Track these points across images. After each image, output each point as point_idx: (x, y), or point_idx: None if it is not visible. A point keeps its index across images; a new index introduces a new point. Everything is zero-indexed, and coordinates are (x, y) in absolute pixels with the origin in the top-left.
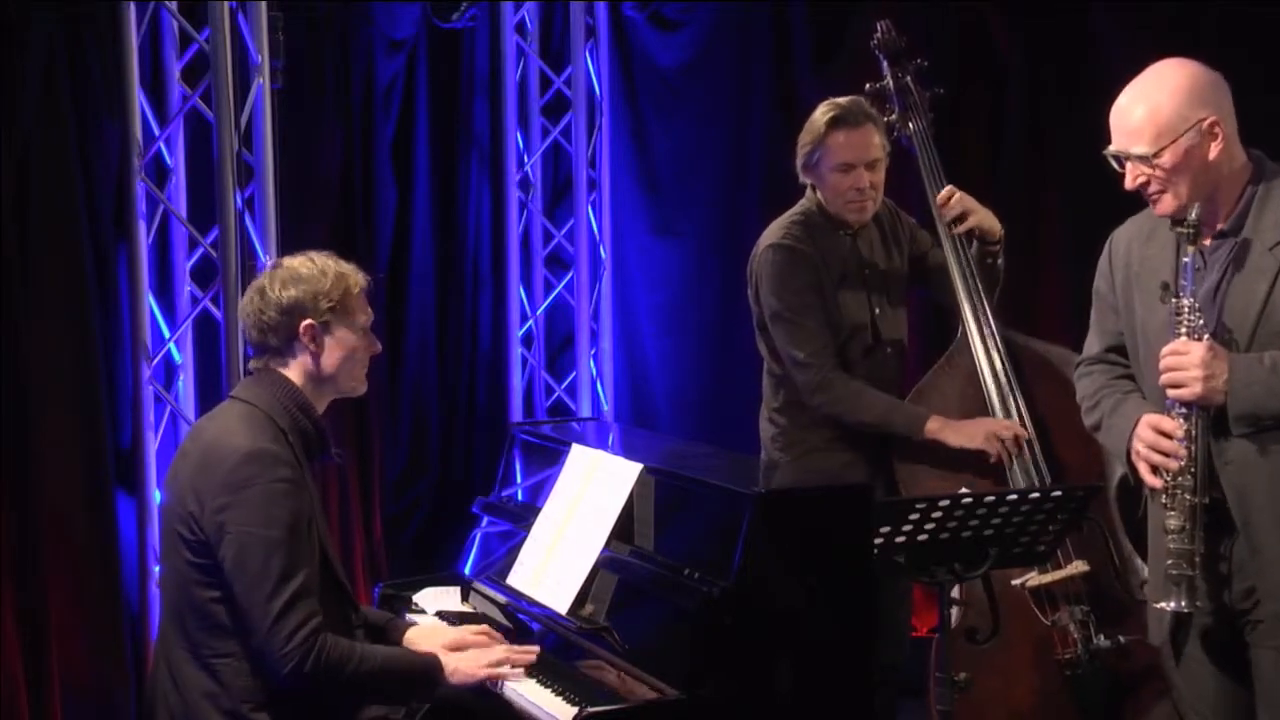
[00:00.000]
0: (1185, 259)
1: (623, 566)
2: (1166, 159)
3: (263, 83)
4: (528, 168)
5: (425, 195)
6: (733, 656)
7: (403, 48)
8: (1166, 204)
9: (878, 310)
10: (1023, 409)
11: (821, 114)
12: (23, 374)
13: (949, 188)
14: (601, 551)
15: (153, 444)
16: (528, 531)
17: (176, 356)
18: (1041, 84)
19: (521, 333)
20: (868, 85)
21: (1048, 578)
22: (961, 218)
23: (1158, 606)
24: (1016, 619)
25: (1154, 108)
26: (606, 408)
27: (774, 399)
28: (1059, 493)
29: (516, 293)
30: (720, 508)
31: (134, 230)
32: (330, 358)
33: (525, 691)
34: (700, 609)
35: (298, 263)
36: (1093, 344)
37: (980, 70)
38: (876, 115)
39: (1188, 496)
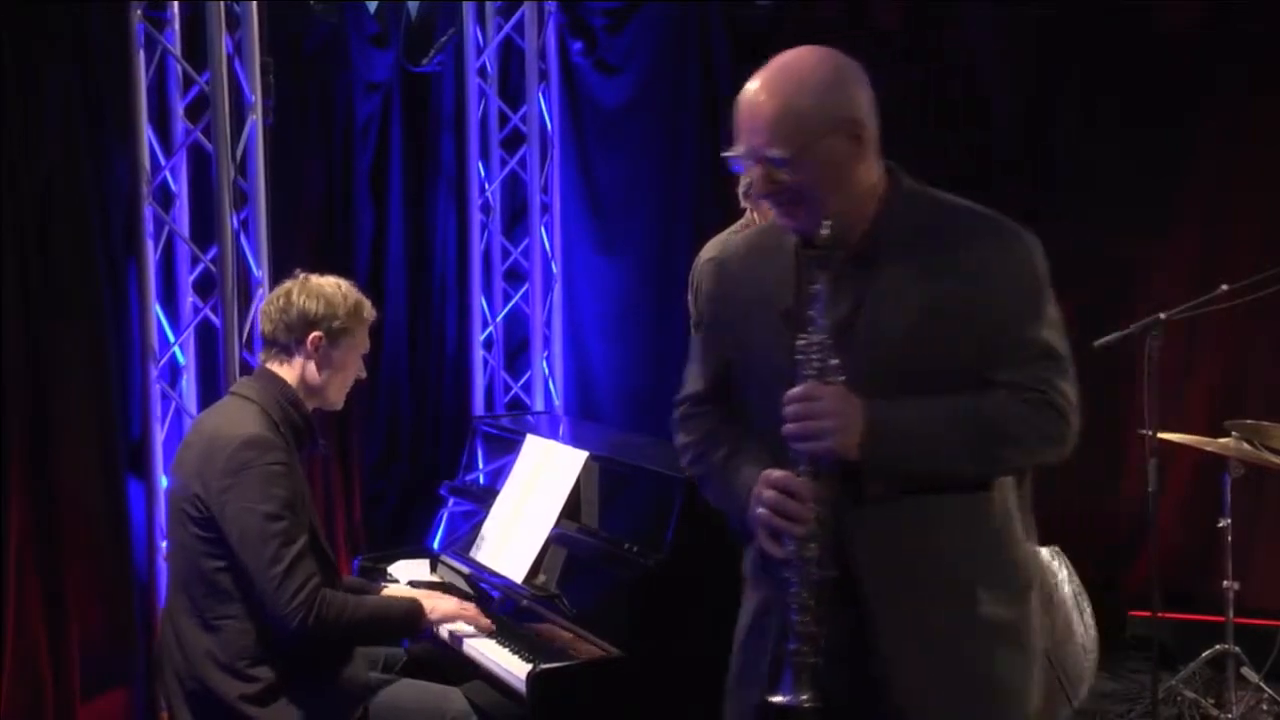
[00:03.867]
0: (815, 286)
1: (571, 541)
2: (804, 166)
3: (256, 119)
4: (488, 194)
5: (399, 218)
6: (666, 619)
7: (379, 89)
8: (799, 218)
9: None
10: None
11: None
12: (44, 373)
13: None
14: (552, 529)
15: (159, 435)
16: (488, 511)
17: (180, 359)
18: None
19: (483, 337)
20: None
21: None
22: None
23: (774, 700)
24: None
25: (793, 105)
26: (557, 403)
27: None
28: None
29: (479, 302)
30: (655, 490)
31: (142, 248)
32: (326, 370)
33: (485, 649)
34: (638, 578)
35: (325, 282)
36: (697, 380)
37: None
38: None
39: (814, 569)
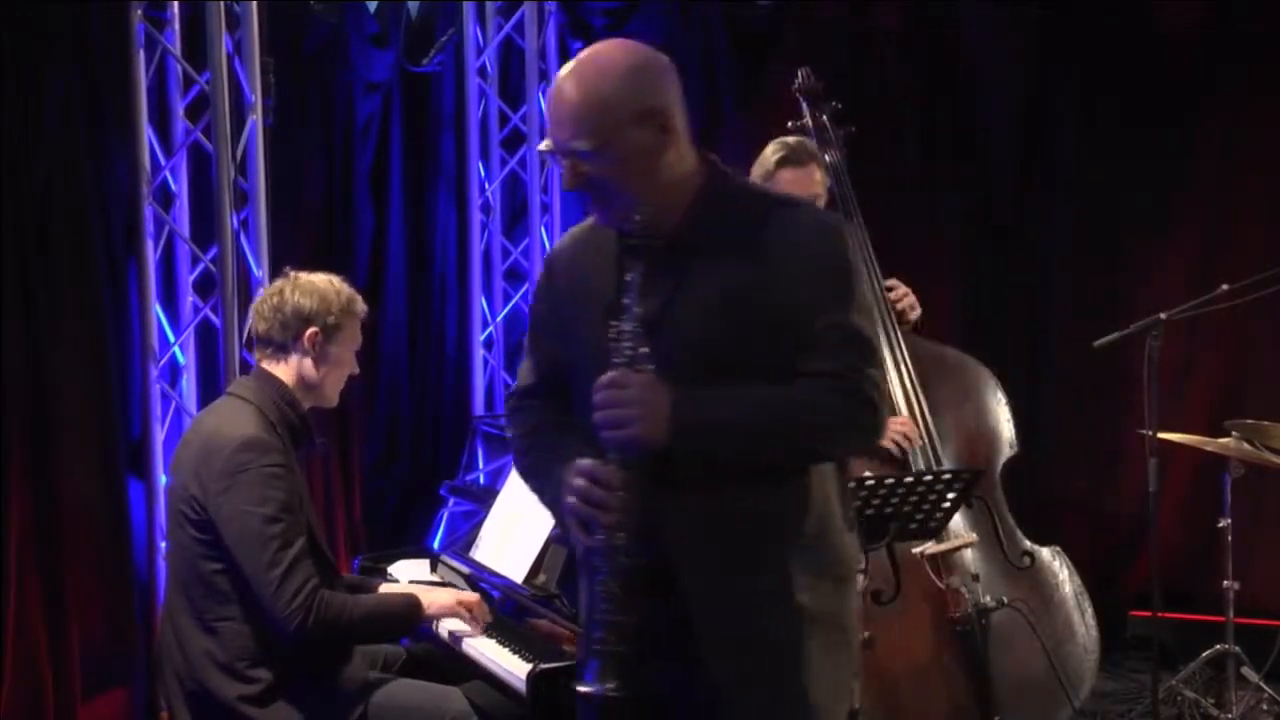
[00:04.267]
0: (628, 275)
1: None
2: (610, 157)
3: (256, 119)
4: (489, 194)
5: (399, 218)
6: None
7: (379, 89)
8: (609, 211)
9: None
10: (920, 400)
11: (772, 152)
12: (45, 372)
13: (891, 280)
14: (552, 528)
15: (159, 434)
16: (488, 511)
17: (180, 358)
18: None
19: (483, 337)
20: (790, 123)
21: (942, 546)
22: (904, 313)
23: (581, 690)
24: (915, 582)
25: (596, 96)
26: None
27: None
28: (947, 475)
29: (479, 302)
30: None
31: (143, 248)
32: (323, 367)
33: (485, 649)
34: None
35: (317, 278)
36: (528, 375)
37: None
38: (819, 154)
39: (623, 557)
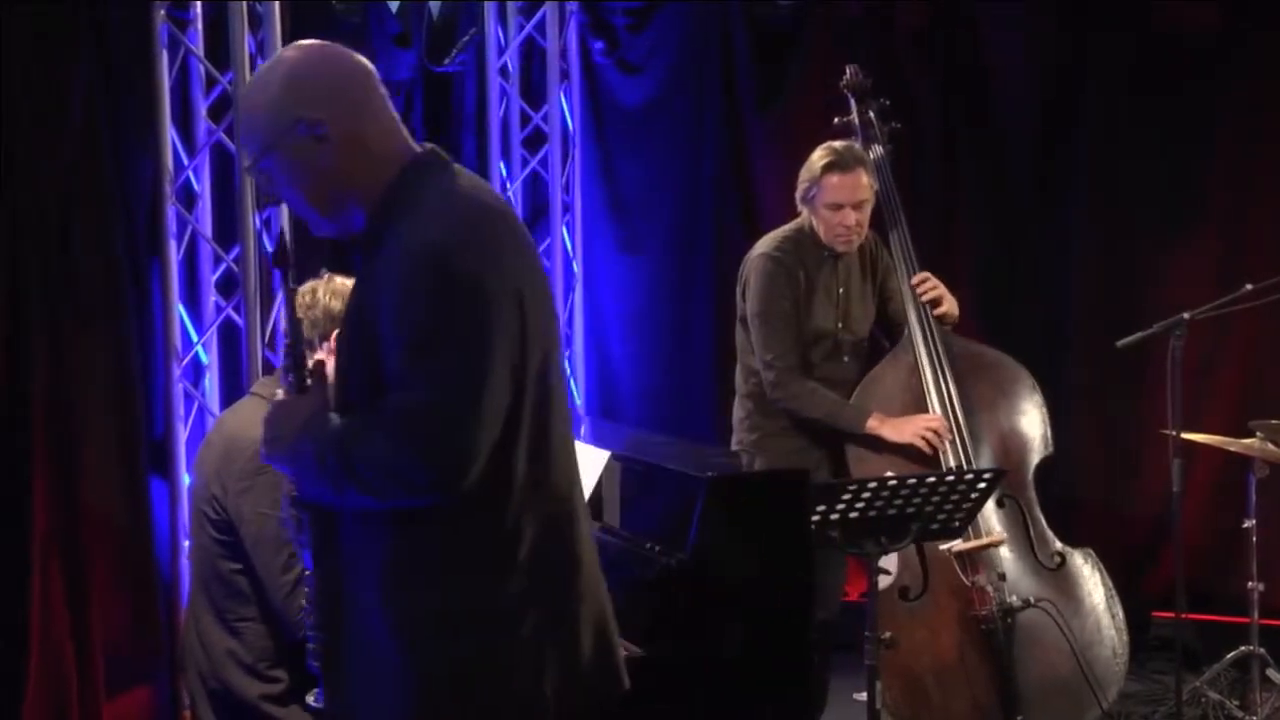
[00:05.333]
0: (277, 293)
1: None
2: (273, 167)
3: None
4: (510, 193)
5: None
6: (688, 618)
7: (401, 89)
8: (315, 222)
9: (841, 324)
10: (954, 397)
11: (819, 157)
12: (68, 373)
13: (924, 273)
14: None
15: (182, 434)
16: None
17: (203, 358)
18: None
19: None
20: (835, 120)
21: (971, 544)
22: (937, 301)
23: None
24: (943, 579)
25: (253, 108)
26: (579, 402)
27: (744, 387)
28: (969, 476)
29: None
30: (677, 489)
31: (165, 248)
32: None
33: None
34: (660, 577)
35: (351, 282)
36: None
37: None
38: (867, 159)
39: (311, 576)
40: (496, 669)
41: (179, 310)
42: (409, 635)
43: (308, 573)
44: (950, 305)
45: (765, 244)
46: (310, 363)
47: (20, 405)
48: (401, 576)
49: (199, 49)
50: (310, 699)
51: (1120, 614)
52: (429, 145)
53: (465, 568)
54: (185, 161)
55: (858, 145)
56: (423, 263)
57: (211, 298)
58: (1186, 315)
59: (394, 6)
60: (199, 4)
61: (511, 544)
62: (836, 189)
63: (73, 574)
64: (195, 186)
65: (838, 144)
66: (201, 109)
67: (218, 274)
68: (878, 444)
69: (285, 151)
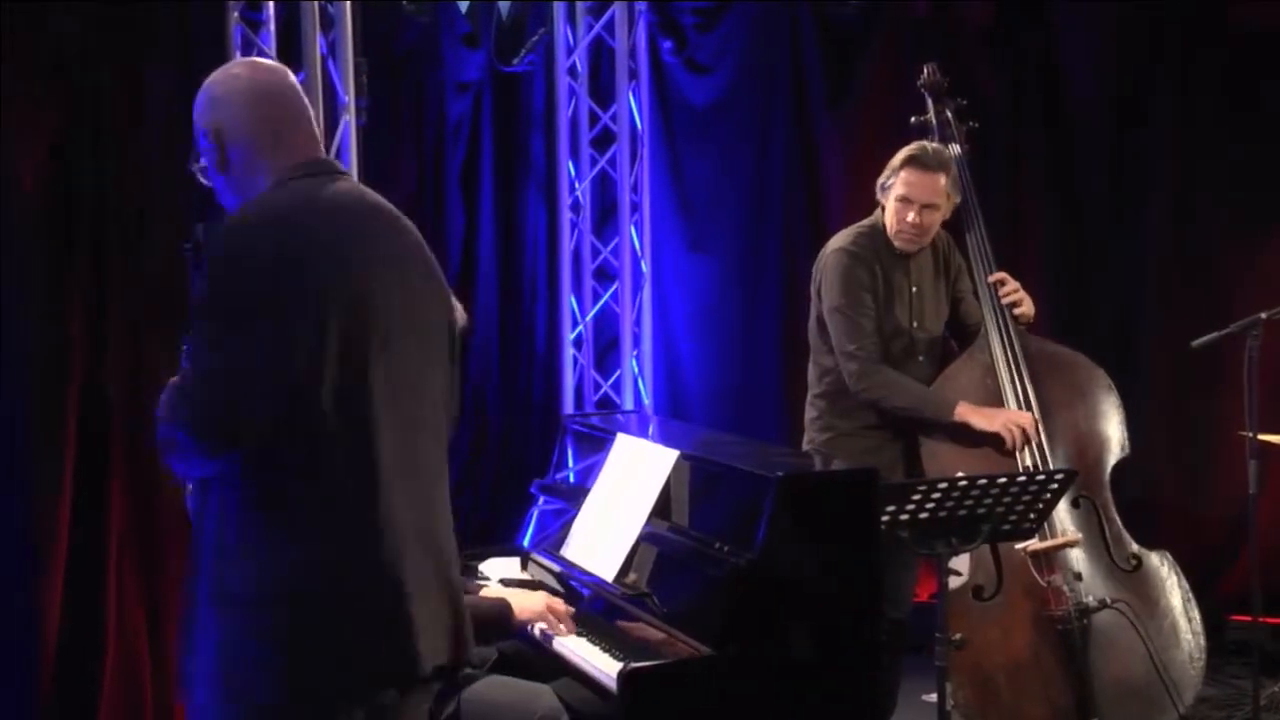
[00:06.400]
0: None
1: (661, 540)
2: (202, 168)
3: (349, 120)
4: (578, 193)
5: (489, 218)
6: (758, 618)
7: (470, 89)
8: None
9: (916, 323)
10: (1031, 397)
11: (906, 151)
12: (144, 373)
13: (1001, 273)
14: (643, 527)
15: None
16: (579, 509)
17: None
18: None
19: (573, 336)
20: (912, 119)
21: (1046, 543)
22: (1015, 303)
23: None
24: (1018, 579)
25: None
26: (647, 401)
27: (817, 386)
28: (1040, 477)
29: (568, 301)
30: (746, 489)
31: None
32: None
33: (576, 648)
34: (729, 577)
35: None
36: None
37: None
38: (952, 167)
39: None
40: (284, 644)
41: None
42: (216, 606)
43: None
44: (1028, 305)
45: (840, 239)
46: None
47: (99, 406)
48: (215, 546)
49: (272, 50)
50: None
51: (1197, 617)
52: (321, 158)
53: (261, 539)
54: None
55: (947, 151)
56: (210, 249)
57: None
58: (1264, 315)
59: (463, 7)
60: (272, 4)
61: (301, 517)
62: (910, 184)
63: (148, 578)
64: None
65: (929, 144)
66: None
67: None
68: (953, 442)
69: (206, 154)
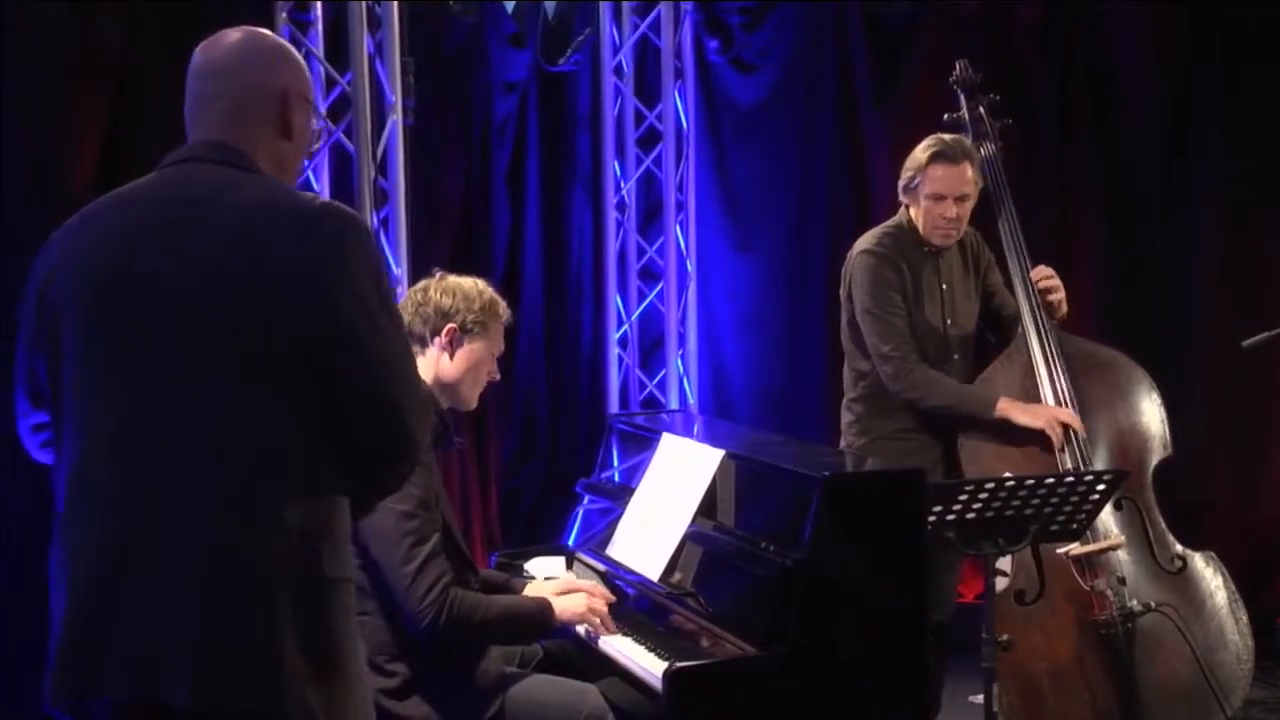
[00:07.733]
0: None
1: (707, 539)
2: None
3: (396, 120)
4: (624, 192)
5: (535, 217)
6: (804, 618)
7: (516, 89)
8: None
9: (949, 321)
10: (1071, 397)
11: (925, 147)
12: None
13: (1046, 271)
14: (688, 526)
15: None
16: (624, 508)
17: None
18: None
19: (618, 335)
20: (945, 115)
21: (1089, 548)
22: (1050, 289)
23: None
24: (1060, 583)
25: None
26: (692, 401)
27: (853, 390)
28: (1089, 477)
29: (613, 301)
30: (792, 488)
31: None
32: (458, 364)
33: (622, 647)
34: (775, 576)
35: (464, 281)
36: None
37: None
38: (974, 154)
39: None
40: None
41: None
42: None
43: None
44: (1061, 294)
45: (865, 241)
46: None
47: None
48: None
49: (319, 50)
50: None
51: (1245, 618)
52: (195, 143)
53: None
54: (305, 162)
55: (966, 139)
56: None
57: None
58: None
59: (510, 7)
60: (319, 5)
61: (63, 515)
62: (941, 180)
63: None
64: (314, 186)
65: (947, 136)
66: (321, 109)
67: None
68: (994, 443)
69: None
